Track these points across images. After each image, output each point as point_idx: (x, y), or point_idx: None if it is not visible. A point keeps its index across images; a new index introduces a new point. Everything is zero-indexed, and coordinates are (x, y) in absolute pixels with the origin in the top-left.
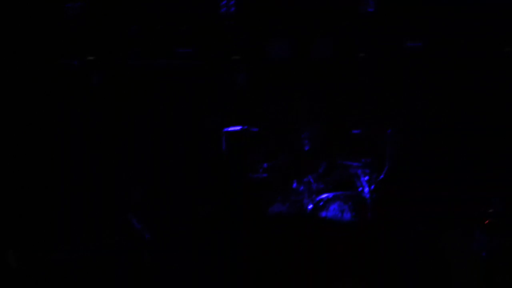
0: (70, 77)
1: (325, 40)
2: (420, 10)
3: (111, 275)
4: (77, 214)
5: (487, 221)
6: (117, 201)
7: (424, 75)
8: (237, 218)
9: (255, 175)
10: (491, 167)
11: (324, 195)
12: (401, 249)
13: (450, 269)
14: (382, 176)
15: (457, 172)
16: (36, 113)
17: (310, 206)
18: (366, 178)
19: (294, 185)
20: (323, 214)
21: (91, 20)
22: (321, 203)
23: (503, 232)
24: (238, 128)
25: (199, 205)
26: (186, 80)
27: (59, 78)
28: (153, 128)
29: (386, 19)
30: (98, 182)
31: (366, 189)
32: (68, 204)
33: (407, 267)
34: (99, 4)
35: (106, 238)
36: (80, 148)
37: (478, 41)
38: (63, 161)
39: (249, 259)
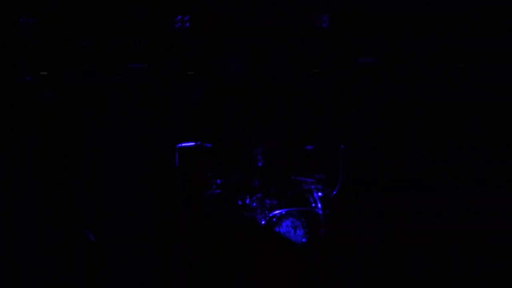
0: (22, 93)
1: (278, 56)
2: (374, 26)
3: None
4: (30, 230)
5: None
6: (73, 217)
7: (376, 91)
8: (190, 233)
9: (209, 191)
10: (443, 181)
11: (277, 211)
12: (354, 264)
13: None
14: (335, 192)
15: (409, 187)
16: None
17: (263, 222)
18: (319, 194)
19: (247, 201)
20: (276, 230)
21: (44, 35)
22: (274, 219)
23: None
24: (191, 144)
25: (152, 220)
26: (140, 95)
27: (11, 93)
28: (106, 144)
29: (340, 35)
30: (51, 198)
31: (319, 205)
32: (21, 221)
33: (360, 280)
34: (52, 20)
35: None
36: (33, 164)
37: (430, 57)
38: (15, 178)
39: (199, 276)
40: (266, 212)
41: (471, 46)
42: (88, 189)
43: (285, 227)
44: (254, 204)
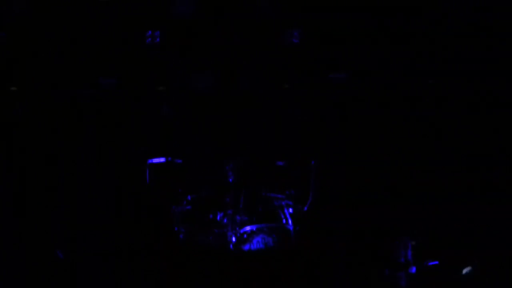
0: None
1: (249, 71)
2: (344, 42)
3: None
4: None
5: None
6: (42, 236)
7: (347, 106)
8: (160, 250)
9: (179, 207)
10: (414, 198)
11: (248, 228)
12: (324, 281)
13: None
14: (305, 208)
15: (379, 203)
16: None
17: (234, 239)
18: (290, 210)
19: (218, 217)
20: (247, 246)
21: (14, 49)
22: (244, 236)
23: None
24: (162, 159)
25: (123, 236)
26: (110, 110)
27: None
28: (77, 160)
29: (310, 51)
30: (21, 214)
31: (290, 221)
32: None
33: None
34: (22, 34)
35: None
36: (2, 180)
37: (402, 72)
38: None
39: None
40: (237, 228)
41: (442, 62)
42: (58, 205)
43: (256, 243)
44: (225, 220)
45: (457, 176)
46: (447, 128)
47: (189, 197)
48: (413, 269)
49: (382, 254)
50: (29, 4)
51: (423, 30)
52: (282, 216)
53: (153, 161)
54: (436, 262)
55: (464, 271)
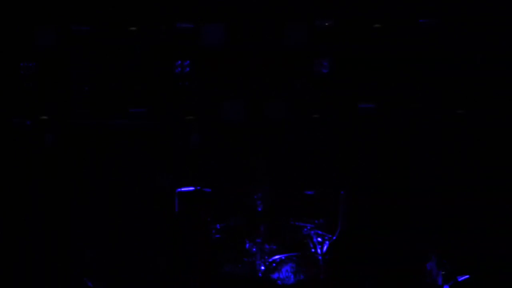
0: (22, 137)
1: (278, 101)
2: (374, 72)
3: None
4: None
5: None
6: (72, 263)
7: (376, 136)
8: (191, 279)
9: (208, 236)
10: (443, 225)
11: (276, 256)
12: None
13: None
14: (334, 238)
15: (409, 233)
16: None
17: (263, 268)
18: (319, 239)
19: (247, 245)
20: (276, 275)
21: (45, 79)
22: (273, 264)
23: None
24: (191, 188)
25: (153, 266)
26: (140, 140)
27: (12, 137)
28: (106, 189)
29: (340, 80)
30: (52, 244)
31: (319, 251)
32: (22, 268)
33: None
34: (53, 63)
35: None
36: (33, 210)
37: (429, 103)
38: (16, 223)
39: None
40: (266, 257)
41: (471, 91)
42: (88, 235)
43: (284, 272)
44: (254, 249)
45: (488, 205)
46: (478, 158)
47: (218, 226)
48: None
49: (414, 279)
50: (60, 34)
51: (454, 57)
52: (311, 245)
53: (182, 190)
54: (467, 277)
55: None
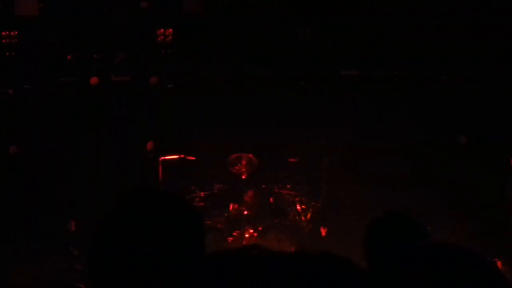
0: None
1: (263, 67)
2: (356, 39)
3: None
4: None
5: None
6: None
7: (359, 103)
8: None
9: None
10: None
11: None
12: None
13: None
14: (318, 205)
15: (395, 200)
16: None
17: (246, 235)
18: (302, 207)
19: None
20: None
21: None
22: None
23: None
24: (174, 156)
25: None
26: (125, 108)
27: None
28: (89, 157)
29: (323, 48)
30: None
31: (303, 218)
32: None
33: None
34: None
35: None
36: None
37: (416, 69)
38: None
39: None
40: (250, 224)
41: (458, 63)
42: (71, 199)
43: (269, 239)
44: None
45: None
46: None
47: (202, 194)
48: None
49: None
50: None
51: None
52: (295, 213)
53: (166, 158)
54: None
55: None
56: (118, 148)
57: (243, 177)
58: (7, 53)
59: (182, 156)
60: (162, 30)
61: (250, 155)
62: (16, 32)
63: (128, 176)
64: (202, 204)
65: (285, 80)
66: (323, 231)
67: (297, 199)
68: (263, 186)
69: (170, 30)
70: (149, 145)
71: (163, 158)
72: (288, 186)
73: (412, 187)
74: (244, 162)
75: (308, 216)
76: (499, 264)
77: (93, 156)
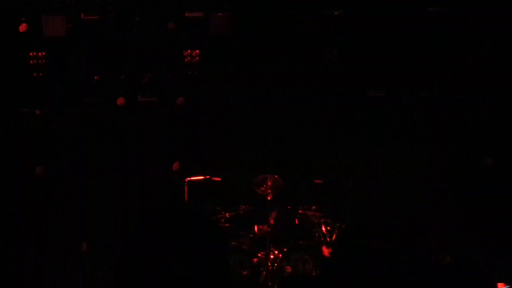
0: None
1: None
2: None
3: None
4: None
5: None
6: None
7: (386, 125)
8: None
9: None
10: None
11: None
12: None
13: None
14: (344, 227)
15: (418, 224)
16: None
17: (271, 256)
18: (328, 228)
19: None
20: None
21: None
22: (282, 253)
23: None
24: (200, 177)
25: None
26: (151, 129)
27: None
28: (115, 181)
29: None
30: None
31: (328, 240)
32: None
33: None
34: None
35: None
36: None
37: (442, 91)
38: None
39: None
40: (275, 245)
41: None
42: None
43: (293, 260)
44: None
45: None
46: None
47: (227, 215)
48: None
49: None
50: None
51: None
52: (320, 234)
53: (192, 179)
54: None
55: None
56: (144, 169)
57: (269, 198)
58: (35, 74)
59: (207, 177)
60: (189, 51)
61: (276, 176)
62: (43, 53)
63: (154, 197)
64: (227, 225)
65: (311, 101)
66: (326, 251)
67: (322, 220)
68: (288, 207)
69: (197, 51)
70: (175, 165)
71: (188, 179)
72: (314, 207)
73: (438, 206)
74: (269, 183)
75: (333, 237)
76: None
77: (119, 176)
